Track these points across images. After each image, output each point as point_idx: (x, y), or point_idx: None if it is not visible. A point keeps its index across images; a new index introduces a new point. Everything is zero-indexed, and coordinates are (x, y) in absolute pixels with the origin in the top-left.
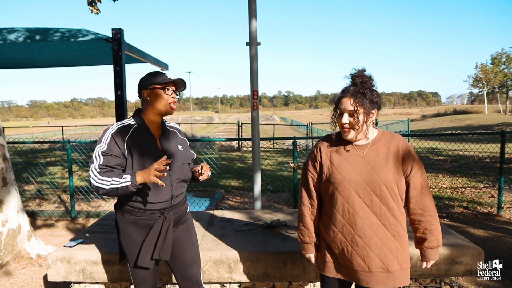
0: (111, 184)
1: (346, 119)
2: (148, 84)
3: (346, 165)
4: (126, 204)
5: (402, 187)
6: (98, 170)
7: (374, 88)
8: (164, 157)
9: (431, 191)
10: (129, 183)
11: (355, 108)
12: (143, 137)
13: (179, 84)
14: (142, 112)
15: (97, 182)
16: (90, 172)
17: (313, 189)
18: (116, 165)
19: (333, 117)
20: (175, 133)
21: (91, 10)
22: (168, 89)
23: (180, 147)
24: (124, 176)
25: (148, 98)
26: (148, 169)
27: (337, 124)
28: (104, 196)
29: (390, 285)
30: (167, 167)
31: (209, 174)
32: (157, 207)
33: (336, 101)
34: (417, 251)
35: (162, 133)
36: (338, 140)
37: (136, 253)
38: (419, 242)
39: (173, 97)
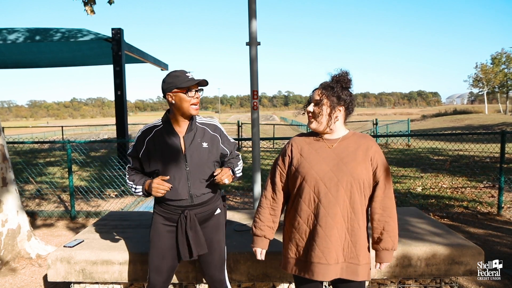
0: (131, 188)
1: (311, 107)
2: (170, 88)
3: (315, 156)
4: (157, 198)
5: (368, 184)
6: (128, 172)
7: (347, 87)
8: (166, 183)
9: (394, 195)
10: (141, 193)
11: (320, 98)
12: (166, 137)
13: (201, 82)
14: (170, 112)
15: (127, 184)
16: (126, 170)
17: (279, 183)
18: (139, 167)
19: (304, 107)
20: (205, 130)
21: (86, 11)
22: (190, 91)
23: (204, 145)
24: (137, 187)
25: (173, 102)
26: (152, 186)
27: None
28: (104, 196)
29: (333, 276)
30: (169, 187)
31: (226, 181)
32: (177, 204)
33: (310, 94)
34: (416, 251)
35: (188, 130)
36: (310, 135)
37: (157, 240)
38: (376, 242)
39: (196, 97)
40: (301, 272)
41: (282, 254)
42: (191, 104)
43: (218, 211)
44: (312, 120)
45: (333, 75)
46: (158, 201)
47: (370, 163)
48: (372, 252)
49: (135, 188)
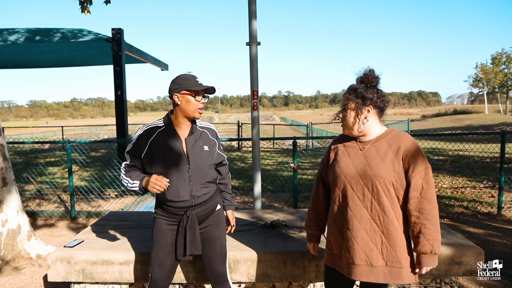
0: (127, 184)
1: (341, 112)
2: (179, 89)
3: (346, 159)
4: (159, 199)
5: (400, 185)
6: (125, 168)
7: (372, 85)
8: (165, 179)
9: (435, 194)
10: (137, 188)
11: (345, 103)
12: (168, 138)
13: (209, 89)
14: (172, 113)
15: (122, 179)
16: (121, 168)
17: (321, 182)
18: (138, 165)
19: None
20: (205, 134)
21: (82, 11)
22: (198, 95)
23: (206, 148)
24: (135, 181)
25: (179, 103)
26: (150, 181)
27: None
28: (104, 196)
29: (372, 279)
30: (166, 186)
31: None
32: (179, 205)
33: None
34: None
35: (190, 133)
36: (347, 137)
37: (159, 238)
38: (414, 246)
39: (202, 102)
40: (340, 268)
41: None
42: (198, 108)
43: (218, 207)
44: (342, 125)
45: (358, 76)
46: (160, 203)
47: (402, 164)
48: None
49: (132, 183)
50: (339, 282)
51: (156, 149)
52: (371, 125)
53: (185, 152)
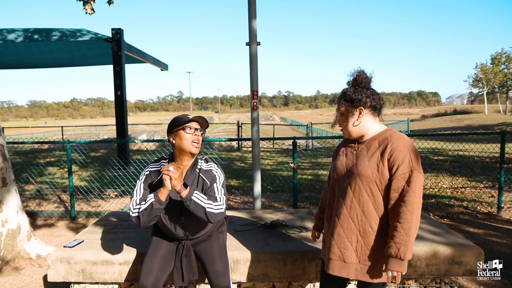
0: (140, 208)
1: (337, 118)
2: (171, 129)
3: (342, 158)
4: (156, 226)
5: (384, 186)
6: (137, 202)
7: (362, 86)
8: (175, 165)
9: (419, 199)
10: (153, 199)
11: (338, 107)
12: None
13: (201, 123)
14: (174, 154)
15: (132, 213)
16: (130, 206)
17: (328, 180)
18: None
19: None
20: (204, 180)
21: (85, 10)
22: (189, 128)
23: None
24: (148, 197)
25: (174, 141)
26: (162, 176)
27: None
28: (104, 196)
29: (344, 274)
30: (175, 166)
31: (170, 169)
32: (173, 237)
33: None
34: (416, 251)
35: (186, 176)
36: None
37: (153, 246)
38: (386, 246)
39: (195, 134)
40: (324, 258)
41: None
42: (191, 142)
43: (216, 236)
44: (341, 129)
45: (348, 79)
46: (158, 229)
47: (387, 164)
48: None
49: (148, 199)
50: (332, 276)
51: (156, 186)
52: (366, 125)
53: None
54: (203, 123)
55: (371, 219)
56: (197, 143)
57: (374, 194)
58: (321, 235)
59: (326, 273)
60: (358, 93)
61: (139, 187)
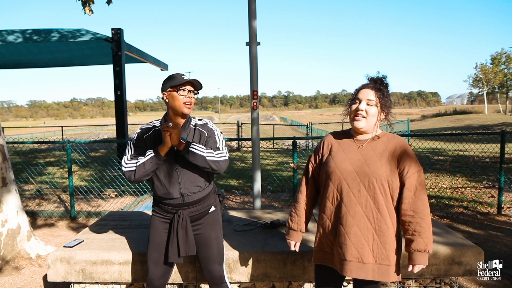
0: (138, 162)
1: (363, 105)
2: (165, 87)
3: (342, 155)
4: (154, 198)
5: (395, 185)
6: (128, 158)
7: (388, 94)
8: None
9: (427, 196)
10: (153, 154)
11: (375, 98)
12: (161, 137)
13: (195, 84)
14: (167, 114)
15: (125, 167)
16: (122, 162)
17: (311, 178)
18: (143, 154)
19: (347, 104)
20: (201, 133)
21: (85, 11)
22: (183, 90)
23: None
24: (147, 152)
25: (167, 100)
26: (162, 133)
27: (350, 112)
28: (104, 196)
29: (362, 276)
30: (173, 125)
31: (166, 129)
32: (170, 203)
33: (356, 91)
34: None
35: (182, 131)
36: (342, 134)
37: (153, 236)
38: (408, 244)
39: (189, 97)
40: (331, 264)
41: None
42: (183, 103)
43: (213, 208)
44: (362, 119)
45: (374, 78)
46: (156, 200)
47: (397, 165)
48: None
49: (147, 154)
50: (330, 280)
51: (150, 146)
52: (377, 126)
53: (174, 150)
54: (197, 85)
55: (386, 217)
56: (190, 105)
57: (386, 193)
58: (314, 239)
59: (324, 276)
60: (390, 100)
61: (130, 145)
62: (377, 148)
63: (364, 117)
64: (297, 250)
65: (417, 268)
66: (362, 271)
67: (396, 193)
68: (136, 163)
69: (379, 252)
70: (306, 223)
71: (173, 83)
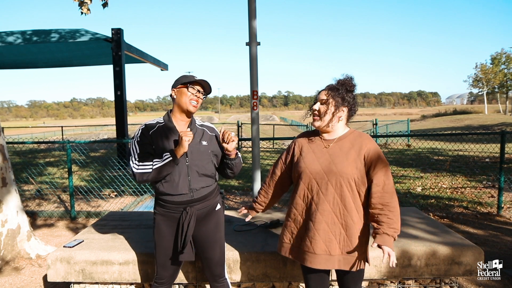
0: (154, 165)
1: (317, 106)
2: (176, 84)
3: (312, 155)
4: (158, 197)
5: (361, 182)
6: (138, 158)
7: (351, 90)
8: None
9: (394, 187)
10: (170, 158)
11: (327, 98)
12: (168, 132)
13: (205, 87)
14: (171, 111)
15: (138, 169)
16: (130, 163)
17: (276, 174)
18: (151, 151)
19: (309, 106)
20: (204, 131)
21: (81, 10)
22: (192, 88)
23: (204, 143)
24: (164, 154)
25: (175, 97)
26: (180, 136)
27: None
28: (104, 196)
29: (330, 266)
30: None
31: (231, 146)
32: (178, 199)
33: (316, 94)
34: (416, 251)
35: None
36: (312, 134)
37: (160, 240)
38: (376, 230)
39: (196, 95)
40: (295, 257)
41: (278, 238)
42: (190, 100)
43: (218, 206)
44: (317, 118)
45: (338, 79)
46: (159, 200)
47: (363, 162)
48: (372, 250)
49: (164, 156)
50: (319, 282)
51: (156, 142)
52: (340, 125)
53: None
54: (207, 88)
55: (352, 212)
56: (196, 103)
57: (353, 189)
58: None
59: (310, 269)
60: (350, 95)
61: (135, 144)
62: (344, 146)
63: (318, 116)
64: (244, 217)
65: (387, 250)
66: (329, 262)
67: (363, 189)
68: (152, 165)
69: (345, 244)
70: (263, 207)
71: (184, 80)
